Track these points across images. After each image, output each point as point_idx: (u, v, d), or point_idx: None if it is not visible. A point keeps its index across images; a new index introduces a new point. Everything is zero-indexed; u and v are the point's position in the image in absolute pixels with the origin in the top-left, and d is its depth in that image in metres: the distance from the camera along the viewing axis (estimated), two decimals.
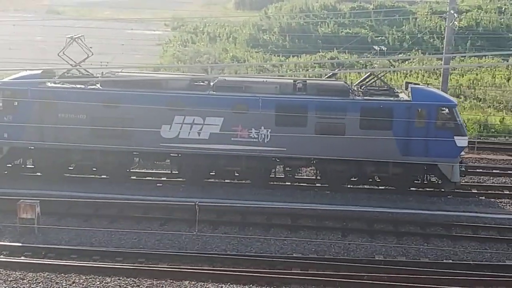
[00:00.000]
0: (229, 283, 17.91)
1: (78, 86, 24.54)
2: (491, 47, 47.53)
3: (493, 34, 51.29)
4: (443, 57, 29.02)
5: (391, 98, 24.29)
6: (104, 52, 38.35)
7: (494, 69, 43.56)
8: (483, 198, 25.03)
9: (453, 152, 24.06)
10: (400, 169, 24.33)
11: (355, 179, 25.40)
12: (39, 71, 25.48)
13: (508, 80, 41.74)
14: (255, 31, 54.82)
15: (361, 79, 26.79)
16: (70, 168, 25.74)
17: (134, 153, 25.19)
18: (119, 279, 17.93)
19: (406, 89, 25.01)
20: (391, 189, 25.38)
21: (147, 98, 23.87)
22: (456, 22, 31.34)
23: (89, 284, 17.63)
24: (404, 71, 42.31)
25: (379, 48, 28.08)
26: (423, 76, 42.31)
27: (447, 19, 31.40)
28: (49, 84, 24.61)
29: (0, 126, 24.58)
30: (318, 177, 25.75)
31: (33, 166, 25.94)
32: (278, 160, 25.02)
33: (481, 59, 45.31)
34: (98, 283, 17.68)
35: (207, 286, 17.73)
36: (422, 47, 49.82)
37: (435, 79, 40.31)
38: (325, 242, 20.80)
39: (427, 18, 55.50)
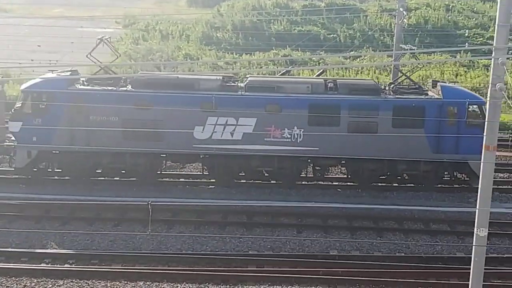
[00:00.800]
0: (184, 283, 17.87)
1: (110, 88, 24.23)
2: (439, 44, 48.44)
3: (441, 31, 52.29)
4: (393, 54, 29.45)
5: (423, 97, 24.43)
6: (54, 50, 37.79)
7: (442, 66, 44.40)
8: (435, 192, 25.49)
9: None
10: (430, 166, 24.57)
11: (384, 177, 25.56)
12: (67, 73, 25.02)
13: (456, 76, 42.59)
14: (208, 28, 54.67)
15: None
16: (98, 171, 25.44)
17: (162, 155, 24.97)
18: (71, 282, 17.71)
19: (433, 87, 25.23)
20: (344, 185, 25.69)
21: (180, 99, 23.64)
22: (405, 20, 31.85)
23: (40, 287, 17.35)
24: (356, 68, 42.79)
25: (408, 48, 27.79)
26: (374, 73, 42.87)
27: (396, 16, 31.90)
28: (80, 87, 24.25)
29: (29, 130, 24.03)
30: (348, 176, 25.85)
31: (60, 170, 25.37)
32: (309, 160, 24.95)
33: (430, 55, 46.16)
34: (50, 286, 17.44)
35: (162, 286, 17.65)
36: (373, 44, 50.46)
37: (385, 75, 40.89)
38: (280, 239, 20.91)
39: (377, 16, 56.23)
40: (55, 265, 18.61)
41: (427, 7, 59.85)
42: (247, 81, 24.62)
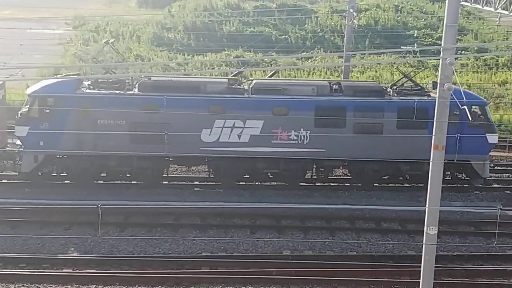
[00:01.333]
0: (137, 285, 17.69)
1: (117, 91, 24.02)
2: (389, 45, 49.10)
3: (391, 32, 53.02)
4: (344, 55, 29.73)
5: (426, 98, 24.56)
6: (3, 52, 36.98)
7: (392, 66, 45.02)
8: (386, 191, 25.80)
9: (485, 148, 24.95)
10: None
11: (387, 178, 25.79)
12: (73, 78, 24.82)
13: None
14: (159, 29, 54.21)
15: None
16: (102, 175, 25.16)
17: (169, 158, 24.86)
18: (22, 286, 17.39)
19: (434, 88, 25.14)
20: (298, 185, 25.79)
21: (188, 102, 23.66)
22: (355, 21, 32.14)
23: None
24: (307, 69, 43.04)
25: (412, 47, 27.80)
26: (326, 73, 43.19)
27: (346, 17, 32.17)
28: (87, 90, 24.00)
29: (36, 134, 23.64)
30: (350, 177, 25.93)
31: (65, 174, 25.06)
32: (314, 161, 25.01)
33: (380, 56, 46.77)
34: None
35: None
36: (324, 45, 50.82)
37: (337, 76, 41.24)
38: (234, 240, 20.89)
39: (328, 17, 56.71)
40: (6, 269, 18.19)
41: (377, 8, 60.62)
42: (253, 83, 24.65)
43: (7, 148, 24.90)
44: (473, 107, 24.67)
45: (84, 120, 23.69)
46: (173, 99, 23.68)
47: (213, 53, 47.96)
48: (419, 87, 25.83)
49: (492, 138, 25.13)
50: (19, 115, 24.21)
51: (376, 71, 44.00)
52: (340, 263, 19.11)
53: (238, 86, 24.73)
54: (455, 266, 19.43)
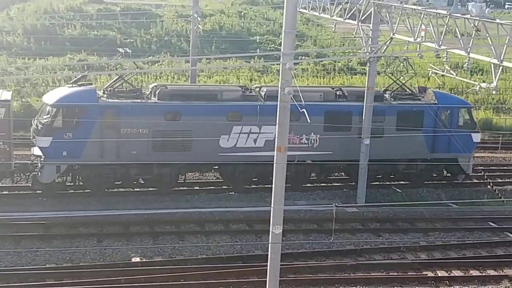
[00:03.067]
0: None
1: (139, 100, 24.27)
2: (234, 50, 49.99)
3: (236, 37, 54.06)
4: (190, 59, 29.87)
5: (421, 102, 26.83)
6: None
7: (238, 71, 45.91)
8: (232, 193, 26.23)
9: (470, 147, 27.54)
10: (426, 165, 27.02)
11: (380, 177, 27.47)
12: (92, 87, 24.94)
13: (251, 81, 44.23)
14: None
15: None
16: (117, 183, 25.13)
17: (189, 165, 25.22)
18: None
19: (420, 93, 27.79)
20: (147, 190, 25.53)
21: (207, 110, 24.26)
22: (200, 26, 32.44)
23: None
24: (154, 73, 42.77)
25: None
26: (173, 78, 43.14)
27: (191, 22, 32.38)
28: (109, 100, 23.97)
29: (60, 144, 23.43)
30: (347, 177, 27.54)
31: (82, 183, 25.01)
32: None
33: (225, 61, 47.48)
34: None
35: None
36: (171, 50, 50.73)
37: (184, 80, 41.34)
38: (80, 250, 20.28)
39: (173, 21, 56.68)
40: None
41: (221, 14, 61.53)
42: (265, 90, 25.56)
43: (29, 160, 24.77)
44: (461, 109, 27.45)
45: (108, 129, 23.70)
46: (194, 107, 24.40)
47: (55, 57, 46.27)
48: (412, 92, 27.96)
49: (476, 137, 27.81)
50: (38, 126, 23.86)
51: (222, 76, 44.63)
52: (189, 267, 19.15)
53: (253, 94, 25.57)
54: (300, 263, 20.16)
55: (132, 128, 23.91)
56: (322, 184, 27.67)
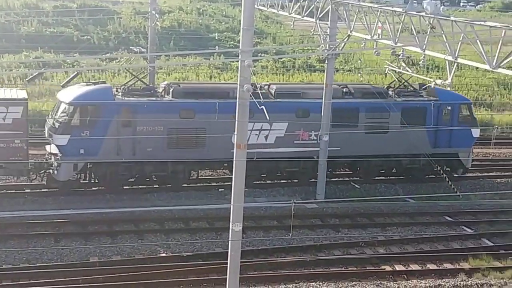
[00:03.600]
0: None
1: (154, 98, 24.74)
2: (193, 47, 49.77)
3: (195, 34, 53.81)
4: (148, 57, 29.64)
5: (424, 98, 27.72)
6: None
7: (197, 68, 45.75)
8: (193, 191, 26.15)
9: (470, 142, 28.55)
10: (428, 160, 27.32)
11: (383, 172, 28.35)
12: (107, 85, 25.32)
13: (210, 78, 44.13)
14: None
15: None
16: (131, 180, 25.40)
17: (202, 162, 25.73)
18: None
19: (422, 90, 28.50)
20: (103, 189, 25.26)
21: (220, 107, 24.42)
22: (158, 23, 32.19)
23: None
24: (112, 70, 42.30)
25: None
26: (132, 74, 42.71)
27: (149, 19, 32.12)
28: (125, 98, 24.29)
29: (77, 142, 23.61)
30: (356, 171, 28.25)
31: (96, 181, 25.23)
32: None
33: (185, 58, 47.22)
34: None
35: None
36: (129, 47, 50.25)
37: (143, 77, 40.96)
38: (37, 250, 19.95)
39: (131, 18, 56.16)
40: None
41: (180, 11, 61.17)
42: (275, 88, 26.19)
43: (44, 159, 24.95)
44: (462, 105, 28.35)
45: (124, 127, 24.00)
46: (207, 104, 24.68)
47: (10, 54, 45.42)
48: (413, 89, 28.63)
49: (475, 132, 28.70)
50: (55, 124, 24.02)
51: (182, 73, 44.39)
52: (149, 266, 19.02)
53: (263, 91, 25.30)
54: (260, 259, 20.20)
55: (148, 126, 24.23)
56: (282, 181, 27.78)
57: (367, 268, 20.26)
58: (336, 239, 22.47)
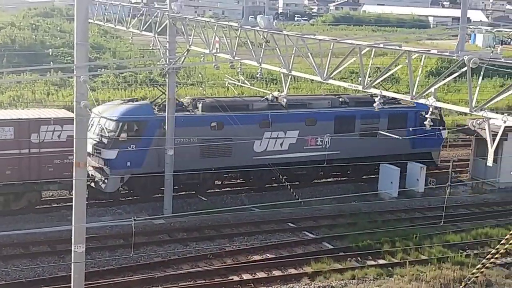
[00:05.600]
0: None
1: (188, 112, 27.43)
2: (28, 64, 47.68)
3: (29, 50, 51.61)
4: None
5: (404, 106, 31.41)
6: None
7: (33, 85, 43.88)
8: (35, 214, 25.00)
9: (440, 142, 33.00)
10: (409, 158, 30.99)
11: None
12: (147, 102, 28.17)
13: (48, 95, 42.51)
14: None
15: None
16: (161, 188, 26.51)
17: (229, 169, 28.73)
18: None
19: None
20: None
21: (244, 119, 27.46)
22: None
23: None
24: None
25: None
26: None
27: None
28: (163, 113, 25.99)
29: (125, 156, 25.64)
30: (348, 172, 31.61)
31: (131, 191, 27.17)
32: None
33: (19, 75, 45.14)
34: None
35: None
36: None
37: None
38: None
39: None
40: None
41: (12, 27, 58.54)
42: (285, 100, 28.49)
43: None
44: (433, 110, 30.53)
45: (164, 140, 25.69)
46: (234, 117, 27.19)
47: None
48: (392, 98, 31.58)
49: (444, 134, 33.10)
50: (102, 139, 25.99)
51: (16, 91, 42.40)
52: None
53: (276, 103, 29.03)
54: (106, 280, 19.69)
55: (184, 138, 26.49)
56: (128, 198, 27.38)
57: (215, 280, 20.42)
58: (184, 253, 22.45)
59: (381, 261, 22.42)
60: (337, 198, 28.20)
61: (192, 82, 50.26)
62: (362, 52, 17.23)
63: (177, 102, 27.19)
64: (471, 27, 71.11)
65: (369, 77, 17.93)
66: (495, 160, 27.54)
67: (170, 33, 25.18)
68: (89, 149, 25.27)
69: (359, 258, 22.56)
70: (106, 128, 26.15)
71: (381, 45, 18.25)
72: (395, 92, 21.76)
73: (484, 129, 15.81)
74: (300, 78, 41.80)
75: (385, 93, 18.54)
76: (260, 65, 21.11)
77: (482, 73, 14.85)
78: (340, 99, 31.34)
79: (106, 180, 25.73)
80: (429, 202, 29.34)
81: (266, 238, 24.30)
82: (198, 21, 24.19)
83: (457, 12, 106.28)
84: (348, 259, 22.45)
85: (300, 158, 29.43)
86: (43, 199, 26.30)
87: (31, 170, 24.43)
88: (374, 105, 18.40)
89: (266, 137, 28.57)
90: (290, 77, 20.61)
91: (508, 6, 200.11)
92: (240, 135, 27.15)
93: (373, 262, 22.25)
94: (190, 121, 26.95)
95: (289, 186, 29.15)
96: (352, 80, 41.53)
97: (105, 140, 25.91)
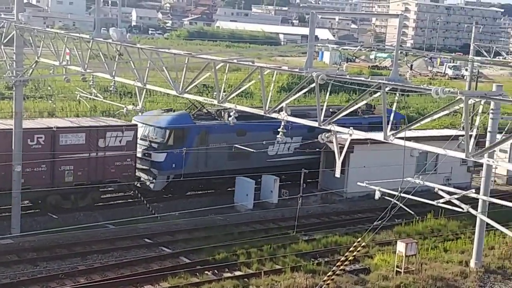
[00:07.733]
0: None
1: (219, 120, 31.38)
2: None
3: None
4: None
5: (377, 115, 35.02)
6: None
7: None
8: None
9: None
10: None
11: None
12: (186, 112, 32.29)
13: None
14: None
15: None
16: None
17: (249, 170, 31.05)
18: None
19: (370, 109, 37.39)
20: None
21: (262, 126, 30.11)
22: None
23: None
24: None
25: None
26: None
27: None
28: (201, 122, 30.85)
29: (171, 158, 29.61)
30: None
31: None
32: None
33: None
34: None
35: None
36: None
37: None
38: None
39: None
40: None
41: None
42: (290, 110, 30.81)
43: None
44: (401, 119, 36.47)
45: (201, 145, 30.05)
46: (254, 125, 30.30)
47: None
48: (368, 108, 36.85)
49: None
50: (151, 144, 29.97)
51: None
52: None
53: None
54: None
55: (217, 143, 30.41)
56: None
57: None
58: (34, 273, 21.45)
59: (238, 273, 22.69)
60: (192, 212, 28.25)
61: (41, 95, 48.45)
62: (217, 67, 17.47)
63: (207, 111, 31.89)
64: (318, 45, 74.42)
65: (223, 91, 18.19)
66: (342, 172, 29.29)
67: (17, 45, 24.11)
68: (141, 154, 29.57)
69: (215, 271, 22.68)
70: (155, 135, 30.19)
71: (235, 61, 18.60)
72: (249, 107, 22.25)
73: (332, 142, 16.57)
74: (156, 92, 41.60)
75: (239, 107, 18.88)
76: (114, 78, 20.77)
77: (329, 88, 15.62)
78: (330, 109, 33.85)
79: (154, 180, 29.71)
80: (283, 213, 30.17)
81: (121, 255, 23.79)
82: (47, 32, 23.38)
83: (305, 30, 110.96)
84: (205, 272, 22.51)
85: (303, 160, 33.35)
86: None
87: (97, 171, 27.87)
88: (229, 119, 18.97)
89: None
90: (145, 90, 20.44)
91: (353, 25, 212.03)
92: (258, 141, 30.88)
93: (229, 274, 22.46)
94: (221, 129, 30.68)
95: (145, 201, 28.81)
96: (207, 94, 41.93)
97: (155, 145, 29.96)
